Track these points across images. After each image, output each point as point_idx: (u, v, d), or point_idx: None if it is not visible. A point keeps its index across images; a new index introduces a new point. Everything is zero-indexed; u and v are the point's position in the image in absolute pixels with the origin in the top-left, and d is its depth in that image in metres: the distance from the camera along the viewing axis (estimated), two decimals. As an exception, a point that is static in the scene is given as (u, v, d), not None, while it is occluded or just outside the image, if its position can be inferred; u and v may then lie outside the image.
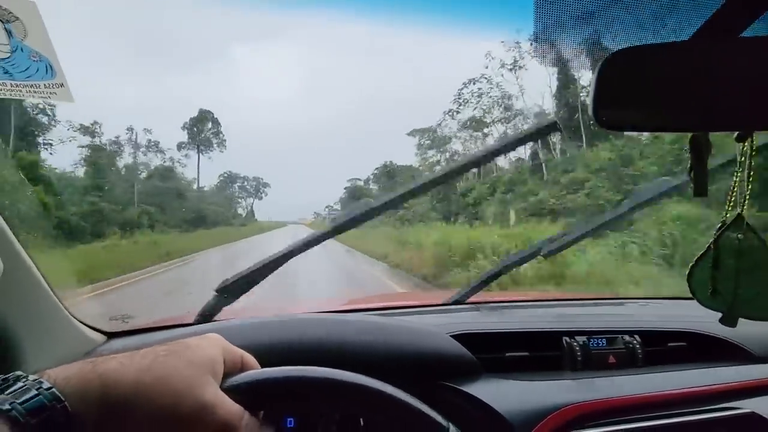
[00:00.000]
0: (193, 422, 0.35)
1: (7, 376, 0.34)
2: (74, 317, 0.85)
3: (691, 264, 0.60)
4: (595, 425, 0.69)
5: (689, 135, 0.55)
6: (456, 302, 1.02)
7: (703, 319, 0.94)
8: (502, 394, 0.70)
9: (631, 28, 0.58)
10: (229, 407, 0.36)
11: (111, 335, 0.91)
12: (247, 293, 0.79)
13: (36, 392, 0.32)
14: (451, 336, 0.76)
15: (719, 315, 0.95)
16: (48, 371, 0.34)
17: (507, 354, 0.81)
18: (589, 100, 0.52)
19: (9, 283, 0.65)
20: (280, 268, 0.78)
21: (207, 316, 0.81)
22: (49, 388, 0.32)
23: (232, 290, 0.76)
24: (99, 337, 0.89)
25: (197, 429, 0.35)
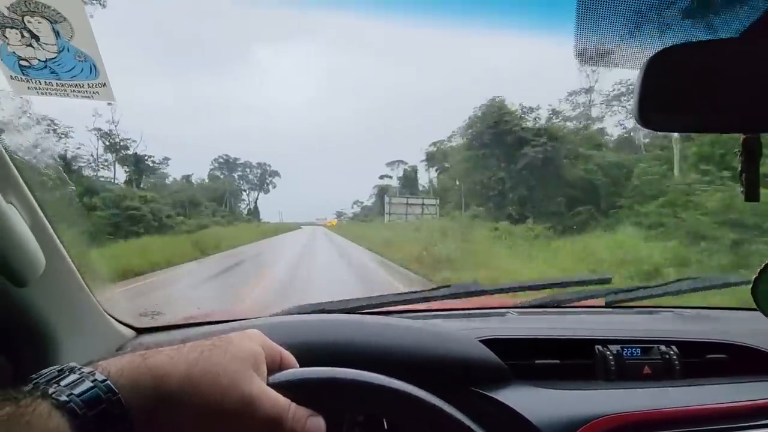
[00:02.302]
0: (240, 415, 0.35)
1: (62, 367, 0.34)
2: (107, 313, 0.87)
3: (755, 276, 0.56)
4: None
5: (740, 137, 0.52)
6: (484, 306, 1.01)
7: (744, 330, 0.90)
8: (532, 402, 0.69)
9: (676, 26, 0.56)
10: (276, 400, 0.37)
11: (140, 331, 0.94)
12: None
13: (92, 384, 0.32)
14: (480, 341, 0.75)
15: (763, 324, 0.92)
16: (100, 363, 0.35)
17: (537, 361, 0.78)
18: (633, 100, 0.50)
19: (50, 279, 0.66)
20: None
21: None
22: (104, 380, 0.33)
23: None
24: (129, 333, 0.92)
25: (245, 422, 0.35)
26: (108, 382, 0.33)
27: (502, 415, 0.67)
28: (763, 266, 0.56)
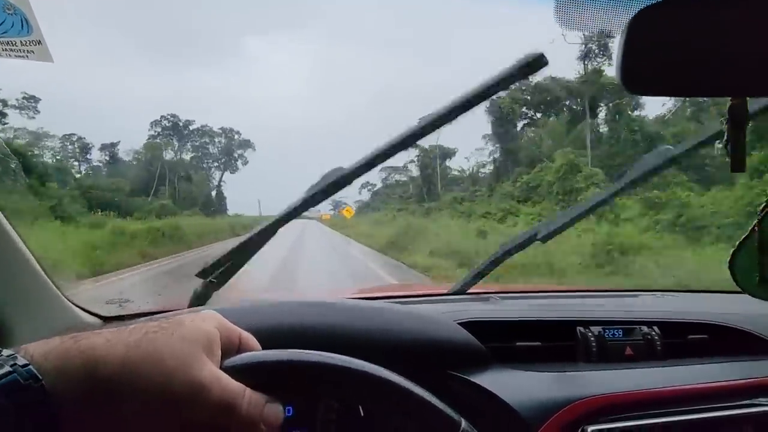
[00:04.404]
0: (188, 402, 0.31)
1: None
2: (69, 300, 0.83)
3: (732, 249, 0.54)
4: (611, 420, 0.65)
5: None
6: (459, 291, 0.98)
7: (725, 310, 0.90)
8: (512, 385, 0.67)
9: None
10: (227, 385, 0.33)
11: (107, 319, 0.89)
12: (234, 277, 0.74)
13: (10, 369, 0.29)
14: (458, 323, 0.72)
15: (743, 306, 0.92)
16: (24, 346, 0.31)
17: (517, 343, 0.77)
18: (615, 64, 0.47)
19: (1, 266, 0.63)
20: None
21: (199, 302, 0.77)
22: (26, 365, 0.29)
23: (211, 273, 0.72)
24: (95, 321, 0.87)
25: (192, 409, 0.32)
26: (30, 366, 0.29)
27: (480, 398, 0.64)
28: (741, 240, 0.54)
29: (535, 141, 25.49)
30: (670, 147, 0.89)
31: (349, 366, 0.39)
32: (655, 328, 0.80)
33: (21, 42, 0.47)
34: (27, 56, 0.48)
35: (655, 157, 0.89)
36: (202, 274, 0.72)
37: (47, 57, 0.48)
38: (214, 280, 0.69)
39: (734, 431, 0.68)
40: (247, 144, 28.19)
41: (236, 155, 27.92)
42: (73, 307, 0.83)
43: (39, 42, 0.47)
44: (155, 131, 26.24)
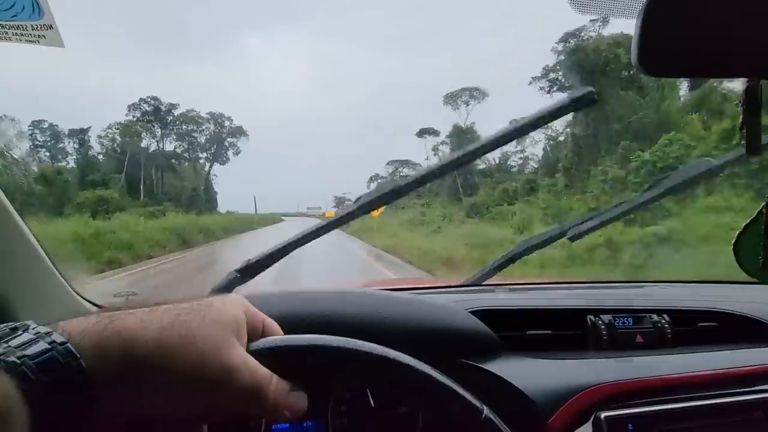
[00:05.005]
0: (218, 385, 0.32)
1: (15, 325, 0.30)
2: (76, 293, 0.82)
3: (738, 231, 0.54)
4: (622, 406, 0.65)
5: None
6: (473, 284, 0.98)
7: (734, 299, 0.90)
8: (524, 372, 0.67)
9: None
10: (256, 370, 0.34)
11: None
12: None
13: (48, 346, 0.28)
14: (470, 312, 0.72)
15: (752, 296, 0.92)
16: (60, 323, 0.31)
17: (528, 332, 0.77)
18: (632, 45, 0.47)
19: (6, 255, 0.62)
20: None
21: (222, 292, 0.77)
22: (63, 343, 0.29)
23: (251, 271, 0.71)
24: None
25: (223, 391, 0.32)
26: (68, 344, 0.29)
27: (494, 386, 0.64)
28: (746, 223, 0.54)
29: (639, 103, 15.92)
30: (710, 159, 0.89)
31: (372, 351, 0.40)
32: (665, 316, 0.80)
33: (32, 26, 0.46)
34: (38, 41, 0.47)
35: (693, 169, 0.89)
36: (243, 270, 0.70)
37: (59, 42, 0.47)
38: (238, 274, 0.68)
39: (745, 417, 0.68)
40: (239, 132, 23.72)
41: (227, 144, 23.92)
42: (81, 299, 0.83)
43: (50, 26, 0.46)
44: (133, 116, 21.76)
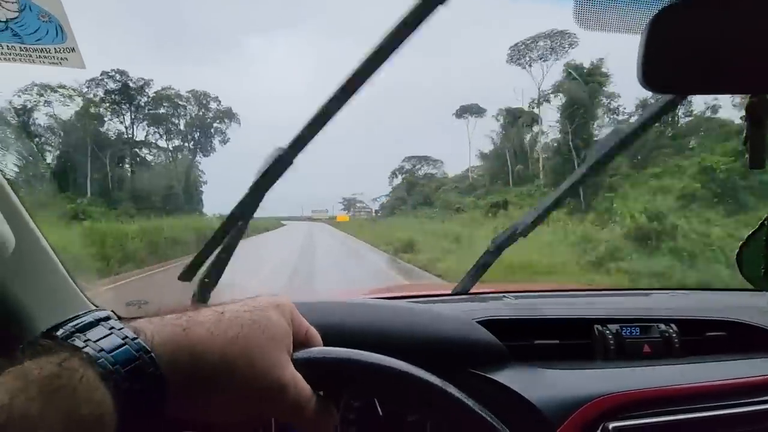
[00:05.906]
0: (270, 399, 0.35)
1: (81, 320, 0.32)
2: (89, 300, 0.84)
3: (741, 242, 0.55)
4: (631, 417, 0.65)
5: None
6: (462, 291, 0.98)
7: (741, 308, 0.89)
8: (533, 383, 0.67)
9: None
10: (302, 389, 0.37)
11: (124, 321, 0.90)
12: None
13: (122, 341, 0.30)
14: (478, 322, 0.73)
15: (759, 304, 0.91)
16: (144, 329, 0.32)
17: (536, 342, 0.77)
18: (637, 62, 0.48)
19: (22, 260, 0.63)
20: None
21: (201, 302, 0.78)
22: (135, 338, 0.31)
23: (193, 274, 0.72)
24: None
25: (272, 404, 0.35)
26: (139, 340, 0.31)
27: (502, 396, 0.65)
28: (749, 233, 0.55)
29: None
30: (622, 127, 0.89)
31: (404, 370, 0.40)
32: (673, 325, 0.80)
33: (55, 49, 0.48)
34: (60, 63, 0.49)
35: (611, 138, 0.89)
36: (185, 275, 0.72)
37: (80, 64, 0.49)
38: (207, 280, 0.70)
39: (753, 428, 0.68)
40: (228, 115, 17.74)
41: (213, 129, 17.82)
42: (91, 305, 0.84)
43: (72, 49, 0.48)
44: (93, 91, 16.20)
